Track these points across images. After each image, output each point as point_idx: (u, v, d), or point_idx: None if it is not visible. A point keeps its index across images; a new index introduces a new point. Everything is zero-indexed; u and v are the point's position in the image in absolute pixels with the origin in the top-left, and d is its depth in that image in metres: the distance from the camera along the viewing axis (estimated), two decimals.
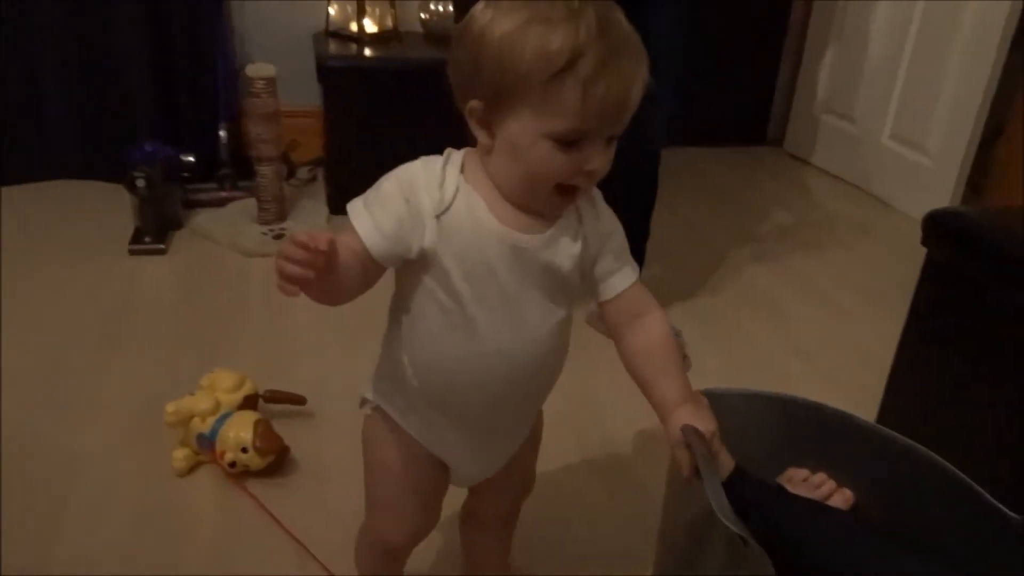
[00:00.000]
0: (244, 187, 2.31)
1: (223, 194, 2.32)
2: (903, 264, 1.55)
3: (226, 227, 2.15)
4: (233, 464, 1.26)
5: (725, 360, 1.72)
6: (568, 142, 0.70)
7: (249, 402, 1.36)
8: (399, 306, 0.82)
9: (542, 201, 0.74)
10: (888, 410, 1.45)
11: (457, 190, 0.75)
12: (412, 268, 0.78)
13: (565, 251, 0.77)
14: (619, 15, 0.71)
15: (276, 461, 1.29)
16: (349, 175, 2.29)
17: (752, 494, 0.84)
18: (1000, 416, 1.23)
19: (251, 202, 2.21)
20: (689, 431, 0.74)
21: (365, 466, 0.91)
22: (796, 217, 2.52)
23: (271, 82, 2.02)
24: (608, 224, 0.81)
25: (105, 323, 1.72)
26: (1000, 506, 0.81)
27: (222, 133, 2.36)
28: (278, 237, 2.10)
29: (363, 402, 0.90)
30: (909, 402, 1.40)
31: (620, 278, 0.81)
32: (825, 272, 2.15)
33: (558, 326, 0.80)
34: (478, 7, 0.72)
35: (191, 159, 2.26)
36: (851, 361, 1.73)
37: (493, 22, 0.70)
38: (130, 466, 1.31)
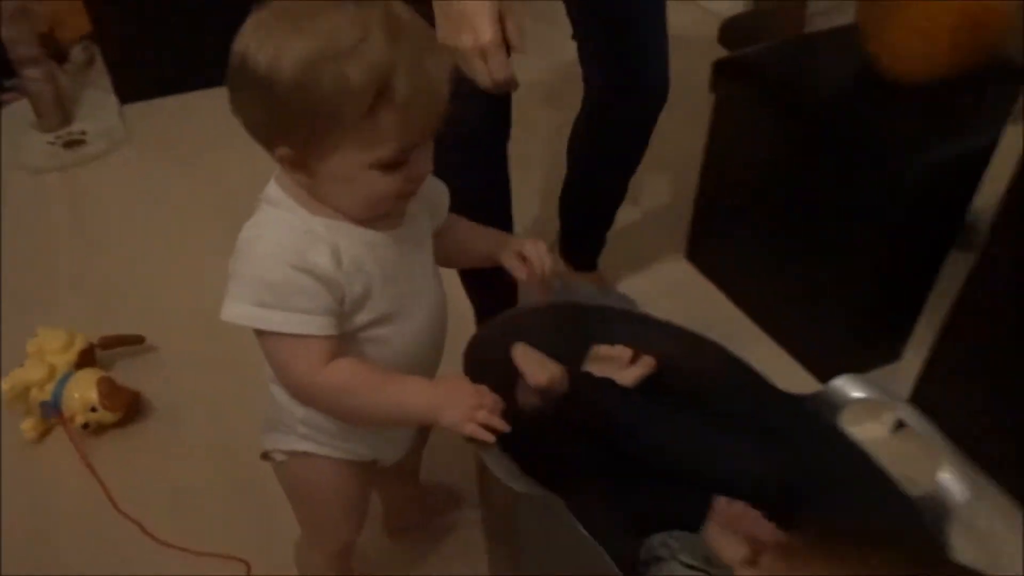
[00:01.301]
0: (10, 87, 2.07)
1: None
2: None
3: (4, 141, 1.95)
4: (86, 425, 1.26)
5: None
6: (396, 161, 0.67)
7: (85, 357, 1.33)
8: None
9: (385, 212, 0.73)
10: (695, 237, 1.60)
11: (328, 230, 0.70)
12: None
13: (419, 219, 0.79)
14: (399, 6, 0.65)
15: (129, 410, 1.30)
16: (127, 47, 2.09)
17: (587, 389, 0.94)
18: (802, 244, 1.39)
19: (24, 105, 2.00)
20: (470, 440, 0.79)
21: (294, 501, 0.92)
22: None
23: None
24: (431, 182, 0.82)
25: None
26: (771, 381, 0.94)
27: None
28: (69, 144, 1.94)
29: (267, 455, 0.87)
30: (719, 238, 1.56)
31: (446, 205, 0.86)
32: None
33: (438, 277, 0.83)
34: (244, 41, 0.63)
35: None
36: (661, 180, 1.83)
37: (277, 60, 0.62)
38: None
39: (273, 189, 0.72)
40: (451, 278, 1.11)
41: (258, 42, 0.62)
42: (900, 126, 1.20)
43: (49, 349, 1.31)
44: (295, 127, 0.65)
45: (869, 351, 1.34)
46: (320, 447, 0.82)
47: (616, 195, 1.41)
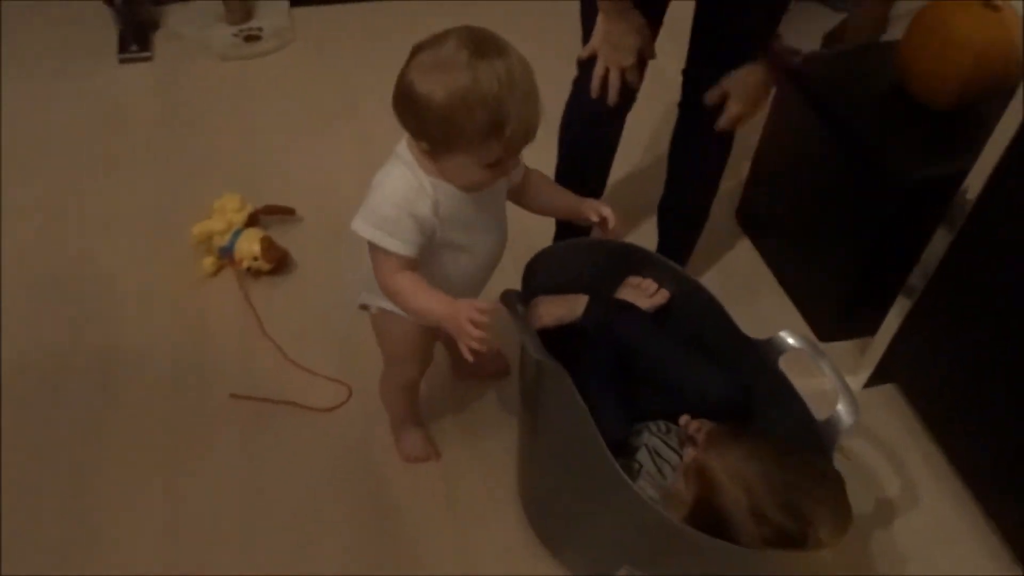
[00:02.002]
0: None
1: None
2: None
3: (197, 27, 2.38)
4: (248, 269, 1.70)
5: None
6: (496, 164, 0.99)
7: (252, 219, 1.76)
8: None
9: (480, 187, 1.05)
10: (745, 203, 1.89)
11: (434, 188, 1.02)
12: None
13: (501, 187, 1.13)
14: (516, 58, 0.94)
15: (280, 263, 1.73)
16: None
17: (604, 311, 1.30)
18: (824, 227, 1.68)
19: None
20: (507, 296, 1.15)
21: (380, 341, 1.28)
22: None
23: None
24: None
25: (108, 138, 2.05)
26: (740, 329, 1.26)
27: None
28: (249, 39, 2.35)
29: (365, 306, 1.22)
30: (763, 206, 1.84)
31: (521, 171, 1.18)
32: None
33: (504, 222, 1.18)
34: (411, 74, 0.94)
35: None
36: None
37: (431, 94, 0.91)
38: (162, 272, 1.74)
39: (403, 150, 1.04)
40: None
41: (422, 77, 0.93)
42: (909, 143, 1.46)
43: (228, 208, 1.74)
44: (434, 137, 0.97)
45: (856, 322, 1.63)
46: (397, 308, 1.14)
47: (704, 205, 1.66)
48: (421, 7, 2.49)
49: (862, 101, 1.56)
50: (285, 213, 1.84)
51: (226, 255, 1.71)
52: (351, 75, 2.27)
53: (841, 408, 1.13)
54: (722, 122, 1.41)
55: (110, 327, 1.65)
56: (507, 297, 1.17)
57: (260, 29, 2.38)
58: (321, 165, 2.00)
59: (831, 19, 2.00)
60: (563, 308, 1.28)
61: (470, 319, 0.98)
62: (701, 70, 1.42)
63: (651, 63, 1.40)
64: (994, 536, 1.39)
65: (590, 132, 1.49)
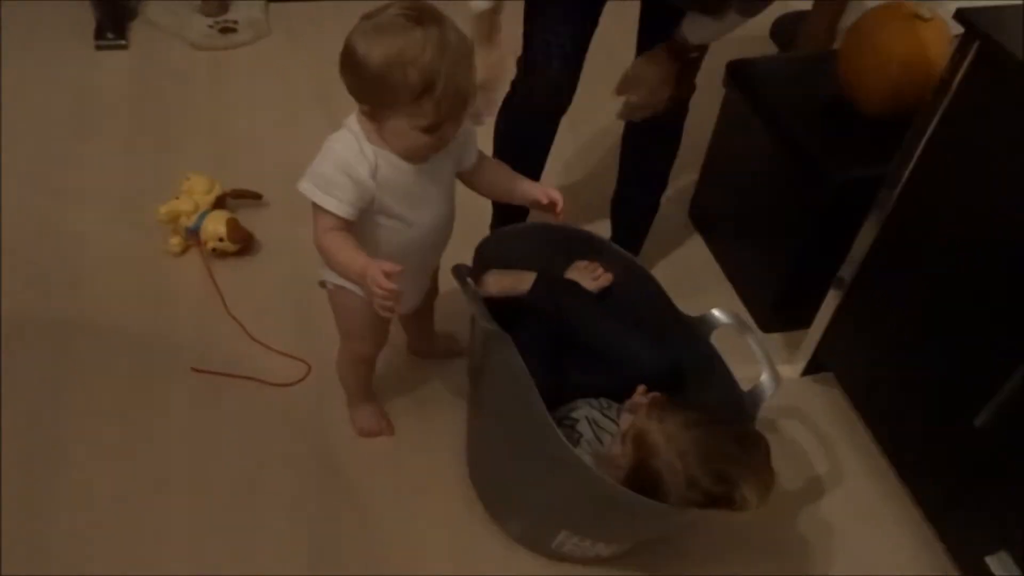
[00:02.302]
0: None
1: None
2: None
3: (174, 17, 2.43)
4: (214, 250, 1.76)
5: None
6: (431, 128, 1.04)
7: (219, 201, 1.82)
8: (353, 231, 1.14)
9: (419, 157, 1.11)
10: (697, 201, 1.98)
11: (375, 155, 1.08)
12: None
13: (444, 163, 1.18)
14: (448, 26, 1.00)
15: (245, 245, 1.79)
16: None
17: (550, 287, 1.37)
18: (765, 223, 1.76)
19: None
20: (457, 269, 1.22)
21: (336, 317, 1.33)
22: None
23: None
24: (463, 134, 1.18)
25: (81, 119, 2.10)
26: (676, 307, 1.34)
27: None
28: (224, 31, 2.40)
29: (323, 283, 1.29)
30: (713, 204, 1.93)
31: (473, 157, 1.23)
32: None
33: (450, 202, 1.24)
34: (354, 36, 1.02)
35: None
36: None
37: (368, 55, 0.99)
38: (129, 246, 1.80)
39: (352, 121, 1.11)
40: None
41: (362, 39, 1.01)
42: (843, 146, 1.55)
43: (197, 190, 1.79)
44: (371, 97, 1.04)
45: (795, 314, 1.72)
46: (351, 285, 1.23)
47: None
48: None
49: (803, 107, 1.65)
50: (252, 197, 1.90)
51: (192, 235, 1.76)
52: (324, 68, 2.31)
53: (764, 379, 1.21)
54: (620, 112, 1.48)
55: (75, 296, 1.70)
56: (457, 270, 1.24)
57: (235, 22, 2.44)
58: (290, 153, 2.01)
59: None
60: (511, 280, 1.35)
61: (375, 279, 1.03)
62: None
63: (609, 63, 1.47)
64: (917, 513, 1.47)
65: (527, 131, 1.57)
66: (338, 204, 1.09)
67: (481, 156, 1.26)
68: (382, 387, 1.58)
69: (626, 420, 1.22)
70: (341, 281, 1.25)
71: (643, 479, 1.13)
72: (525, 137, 1.59)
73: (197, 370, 1.59)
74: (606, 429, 1.27)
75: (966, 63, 1.21)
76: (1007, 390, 1.19)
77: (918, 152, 1.32)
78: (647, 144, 1.63)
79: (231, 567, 1.33)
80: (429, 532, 1.40)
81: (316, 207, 1.10)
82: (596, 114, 1.55)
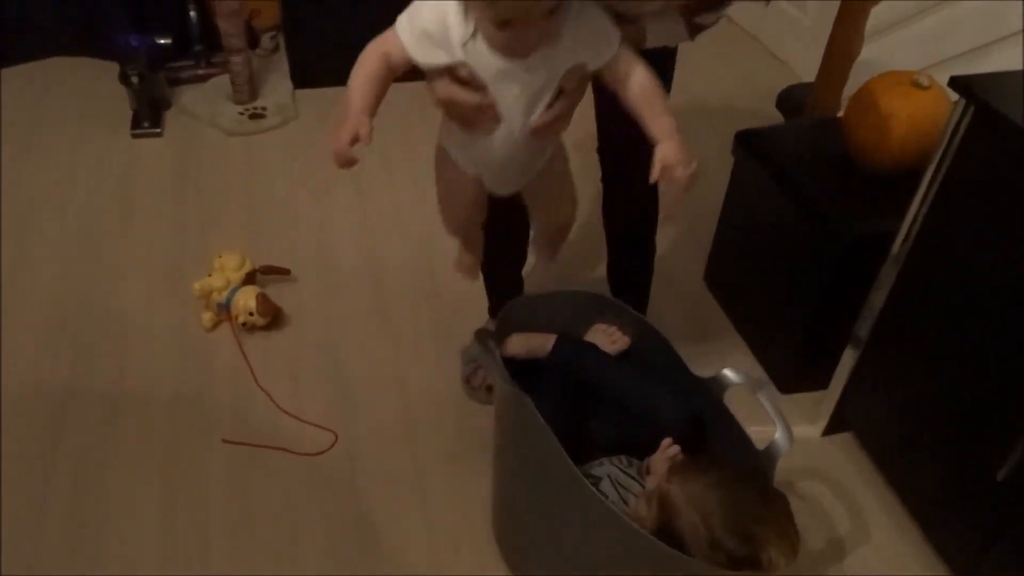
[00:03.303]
0: (216, 61, 2.68)
1: (200, 71, 2.69)
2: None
3: (207, 106, 2.56)
4: (244, 323, 1.82)
5: None
6: (502, 24, 0.94)
7: (250, 277, 1.89)
8: None
9: (504, 52, 0.99)
10: (711, 266, 2.02)
11: (475, 30, 0.99)
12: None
13: (551, 70, 1.03)
14: None
15: (274, 319, 1.85)
16: (307, 44, 2.65)
17: (571, 348, 1.41)
18: (780, 284, 1.80)
19: (225, 79, 2.60)
20: (481, 333, 1.27)
21: (437, 177, 1.28)
22: None
23: None
24: (591, 42, 1.03)
25: (122, 202, 2.21)
26: (687, 367, 1.37)
27: (192, 13, 2.68)
28: (253, 117, 2.52)
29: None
30: (728, 269, 1.98)
31: (605, 58, 1.05)
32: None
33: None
34: None
35: (168, 41, 2.61)
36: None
37: None
38: (169, 321, 1.87)
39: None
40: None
41: None
42: (852, 205, 1.59)
43: (228, 266, 1.87)
44: None
45: (814, 374, 1.73)
46: (452, 149, 1.21)
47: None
48: (414, 88, 2.68)
49: (813, 169, 1.70)
50: (281, 273, 1.97)
51: (223, 310, 1.83)
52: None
53: (778, 436, 1.23)
54: None
55: (119, 369, 1.76)
56: (481, 334, 1.28)
57: (265, 108, 2.56)
58: (320, 230, 2.14)
59: None
60: (534, 342, 1.39)
61: (349, 133, 1.02)
62: (608, 150, 1.57)
63: (581, 144, 1.51)
64: (944, 570, 1.46)
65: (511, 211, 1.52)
66: (413, 39, 1.02)
67: (622, 66, 1.05)
68: (411, 433, 1.64)
69: (651, 481, 1.23)
70: (444, 142, 1.22)
71: (665, 539, 1.14)
72: (507, 217, 1.53)
73: (228, 441, 1.63)
74: (629, 489, 1.29)
75: (963, 127, 1.26)
76: None
77: (924, 210, 1.36)
78: (625, 212, 1.66)
79: None
80: None
81: (389, 30, 1.05)
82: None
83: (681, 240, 2.17)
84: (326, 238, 2.12)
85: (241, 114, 2.53)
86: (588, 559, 1.23)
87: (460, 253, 1.48)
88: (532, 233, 1.49)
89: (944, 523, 1.45)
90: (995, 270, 1.27)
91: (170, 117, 2.55)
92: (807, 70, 2.57)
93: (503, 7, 0.94)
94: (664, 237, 2.13)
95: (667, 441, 1.28)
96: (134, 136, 2.44)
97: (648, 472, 1.27)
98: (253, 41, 2.79)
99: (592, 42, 1.03)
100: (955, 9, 2.29)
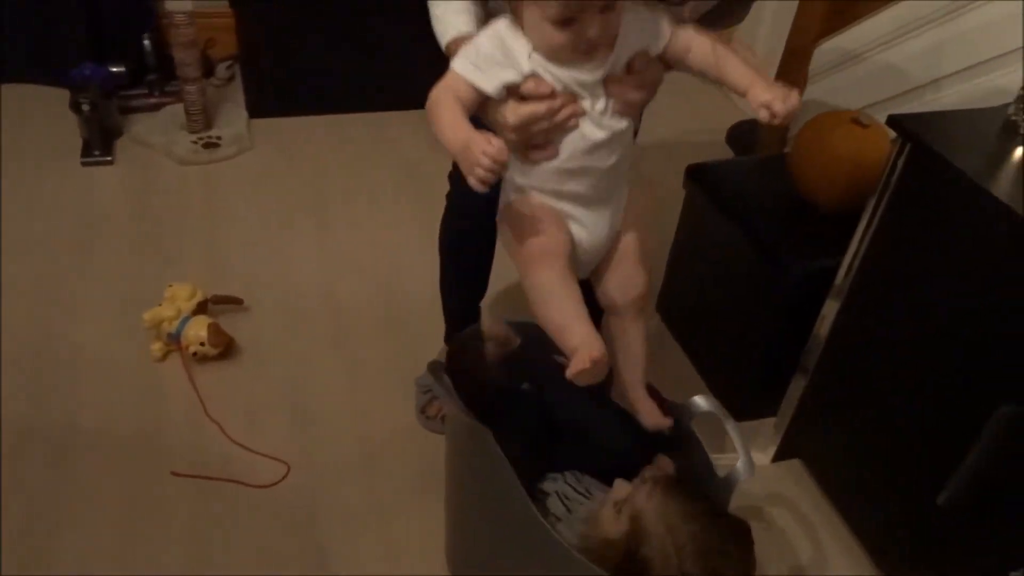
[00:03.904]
0: (171, 90, 2.67)
1: (153, 99, 2.67)
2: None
3: (161, 135, 2.54)
4: (195, 353, 1.80)
5: None
6: (562, 24, 0.92)
7: (201, 307, 1.87)
8: None
9: (567, 57, 0.97)
10: (664, 296, 2.06)
11: (531, 51, 0.98)
12: None
13: (602, 72, 1.00)
14: None
15: (226, 349, 1.83)
16: (263, 73, 2.66)
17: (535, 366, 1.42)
18: (731, 315, 1.84)
19: (179, 108, 2.58)
20: (433, 365, 1.27)
21: (514, 242, 1.11)
22: None
23: (190, 15, 2.35)
24: (647, 30, 1.02)
25: (74, 232, 2.17)
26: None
27: (147, 42, 2.67)
28: (207, 146, 2.51)
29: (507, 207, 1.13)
30: (680, 299, 2.01)
31: (664, 39, 1.04)
32: None
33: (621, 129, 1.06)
34: None
35: (122, 70, 2.59)
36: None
37: None
38: (121, 354, 1.83)
39: (508, 17, 1.01)
40: None
41: None
42: (799, 240, 1.65)
43: (179, 296, 1.85)
44: None
45: (763, 403, 1.77)
46: (531, 185, 1.09)
47: None
48: (376, 119, 2.71)
49: (761, 204, 1.76)
50: (234, 303, 1.95)
51: (174, 340, 1.80)
52: (307, 178, 2.44)
53: (739, 465, 1.25)
54: None
55: (71, 404, 1.72)
56: (433, 366, 1.29)
57: (219, 137, 2.55)
58: (276, 261, 2.13)
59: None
60: (505, 331, 1.35)
61: (483, 149, 0.91)
62: None
63: None
64: None
65: (472, 240, 1.55)
66: (479, 73, 1.00)
67: (681, 43, 1.06)
68: (371, 466, 1.63)
69: (622, 488, 1.20)
70: (523, 182, 1.09)
71: (633, 565, 1.12)
72: (471, 246, 1.58)
73: (177, 474, 1.60)
74: (576, 501, 1.30)
75: (900, 164, 1.32)
76: (965, 468, 1.25)
77: (865, 245, 1.41)
78: None
79: None
80: None
81: (449, 73, 1.02)
82: None
83: None
84: (283, 269, 2.11)
85: (195, 143, 2.51)
86: None
87: (582, 339, 1.04)
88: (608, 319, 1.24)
89: (890, 549, 1.49)
90: (932, 303, 1.32)
91: (122, 146, 2.52)
92: None
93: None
94: None
95: (664, 459, 1.29)
96: (84, 164, 2.41)
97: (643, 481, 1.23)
98: (208, 70, 2.79)
99: (649, 29, 1.03)
100: (898, 51, 2.39)
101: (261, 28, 2.60)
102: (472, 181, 0.93)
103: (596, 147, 1.05)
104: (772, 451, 1.72)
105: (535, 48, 0.98)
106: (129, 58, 2.63)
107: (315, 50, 2.64)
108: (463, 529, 1.41)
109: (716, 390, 1.87)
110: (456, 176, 1.53)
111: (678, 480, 1.24)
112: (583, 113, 1.02)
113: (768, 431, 1.74)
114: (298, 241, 2.20)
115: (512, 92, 1.01)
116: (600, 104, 1.02)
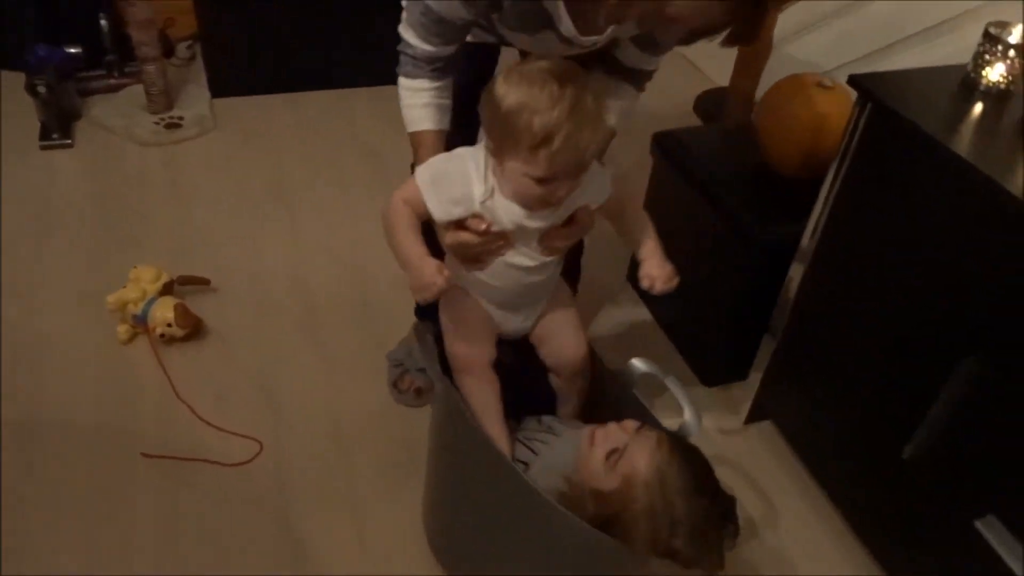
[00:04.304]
0: (130, 71, 2.61)
1: (112, 81, 2.62)
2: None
3: (121, 117, 2.49)
4: (162, 335, 1.77)
5: None
6: (541, 181, 1.06)
7: (167, 288, 1.84)
8: None
9: (534, 207, 1.12)
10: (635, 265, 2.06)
11: (493, 187, 1.11)
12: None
13: (548, 219, 1.15)
14: (589, 92, 1.03)
15: (194, 330, 1.81)
16: (224, 52, 2.62)
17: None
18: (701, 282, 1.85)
19: (139, 89, 2.54)
20: (419, 327, 1.27)
21: (442, 309, 1.29)
22: None
23: None
24: (595, 187, 1.18)
25: (35, 217, 2.13)
26: None
27: (103, 23, 2.61)
28: (169, 127, 2.47)
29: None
30: None
31: (606, 195, 1.21)
32: None
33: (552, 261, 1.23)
34: (499, 79, 1.06)
35: (79, 51, 2.53)
36: None
37: (503, 97, 1.03)
38: (87, 339, 1.81)
39: (482, 151, 1.12)
40: None
41: (505, 80, 1.05)
42: (765, 206, 1.66)
43: (143, 278, 1.82)
44: (497, 134, 1.07)
45: (735, 368, 1.79)
46: (462, 280, 1.24)
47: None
48: (338, 96, 2.68)
49: (728, 171, 1.76)
50: (201, 283, 1.92)
51: (140, 322, 1.78)
52: (271, 158, 2.41)
53: (687, 418, 1.26)
54: None
55: (38, 392, 1.69)
56: (418, 328, 1.29)
57: (181, 118, 2.51)
58: (243, 243, 2.10)
59: None
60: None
61: (433, 280, 1.08)
62: None
63: None
64: (863, 550, 1.52)
65: None
66: (435, 200, 1.12)
67: (615, 204, 1.24)
68: (343, 446, 1.62)
69: (617, 436, 1.16)
70: (458, 278, 1.24)
71: (615, 522, 1.10)
72: None
73: (147, 455, 1.58)
74: (540, 441, 1.29)
75: (862, 124, 1.33)
76: (928, 422, 1.27)
77: (829, 207, 1.42)
78: None
79: None
80: None
81: (412, 180, 1.14)
82: None
83: (605, 240, 2.20)
84: (250, 250, 2.08)
85: (156, 124, 2.47)
86: (524, 554, 1.24)
87: (472, 399, 1.28)
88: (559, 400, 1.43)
89: (859, 505, 1.51)
90: (895, 263, 1.33)
91: (81, 128, 2.47)
92: (723, 75, 2.66)
93: (560, 159, 1.03)
94: (588, 237, 2.18)
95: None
96: (43, 148, 2.36)
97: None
98: (168, 50, 2.73)
99: (597, 185, 1.18)
100: (863, 11, 2.40)
101: (220, 6, 2.55)
102: (417, 296, 1.10)
103: (522, 271, 1.21)
104: (744, 414, 1.73)
105: (506, 191, 1.11)
106: (85, 39, 2.57)
107: (276, 28, 2.60)
108: (442, 495, 1.41)
109: (688, 357, 1.89)
110: (400, 50, 1.51)
111: (677, 442, 1.18)
112: (512, 247, 1.16)
113: (740, 395, 1.75)
114: (264, 221, 2.18)
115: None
116: (532, 244, 1.17)
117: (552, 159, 1.03)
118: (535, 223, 1.14)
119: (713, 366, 1.83)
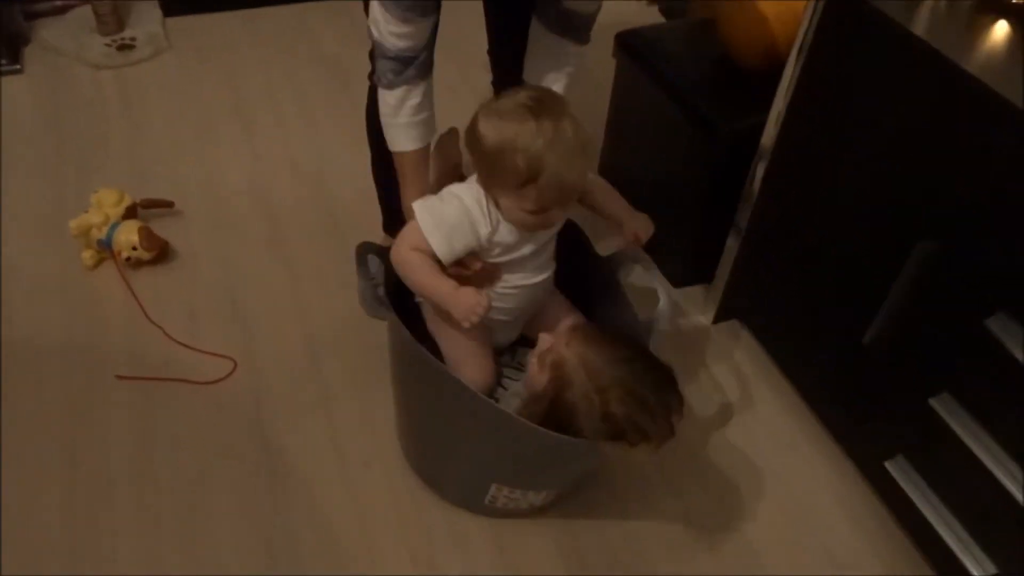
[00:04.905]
0: None
1: (59, 3, 2.52)
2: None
3: (71, 40, 2.41)
4: (128, 259, 1.76)
5: None
6: (534, 212, 1.13)
7: (130, 211, 1.82)
8: None
9: (532, 230, 1.20)
10: (603, 165, 2.06)
11: (498, 220, 1.18)
12: None
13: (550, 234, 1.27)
14: (569, 121, 1.08)
15: (160, 253, 1.80)
16: None
17: None
18: (667, 181, 1.85)
19: (87, 10, 2.45)
20: (360, 248, 1.27)
21: (439, 343, 1.35)
22: None
23: None
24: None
25: None
26: None
27: None
28: (122, 48, 2.39)
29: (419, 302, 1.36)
30: (617, 168, 2.01)
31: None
32: None
33: (551, 268, 1.32)
34: (479, 119, 1.11)
35: None
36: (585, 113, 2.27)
37: (486, 135, 1.09)
38: (51, 266, 1.79)
39: (474, 180, 1.19)
40: None
41: (484, 119, 1.10)
42: (729, 101, 1.64)
43: (106, 202, 1.79)
44: (485, 172, 1.14)
45: (704, 267, 1.80)
46: None
47: None
48: (294, 10, 2.60)
49: (691, 67, 1.74)
50: (164, 206, 1.90)
51: (105, 247, 1.76)
52: (228, 77, 2.35)
53: (661, 304, 1.30)
54: None
55: (3, 320, 1.69)
56: (359, 248, 1.28)
57: (133, 38, 2.43)
58: (204, 163, 2.07)
59: None
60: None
61: (476, 302, 1.13)
62: (503, 48, 1.57)
63: (463, 48, 1.52)
64: (826, 434, 1.57)
65: None
66: (445, 246, 1.16)
67: (591, 183, 1.32)
68: (314, 356, 1.63)
69: (545, 341, 1.23)
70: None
71: (559, 411, 1.16)
72: None
73: (122, 377, 1.59)
74: (511, 378, 1.33)
75: (818, 12, 1.31)
76: (886, 307, 1.29)
77: (788, 97, 1.41)
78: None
79: (186, 566, 1.34)
80: (373, 506, 1.43)
81: (415, 228, 1.16)
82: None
83: None
84: (211, 170, 2.05)
85: (108, 46, 2.39)
86: (484, 454, 1.27)
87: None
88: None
89: (823, 392, 1.55)
90: (854, 150, 1.33)
91: (30, 53, 2.39)
92: None
93: (548, 195, 1.09)
94: None
95: (568, 320, 1.34)
96: None
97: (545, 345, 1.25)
98: None
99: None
100: None
101: None
102: (466, 323, 1.14)
103: (532, 287, 1.28)
104: (712, 312, 1.76)
105: (507, 217, 1.17)
106: None
107: None
108: (406, 411, 1.43)
109: (657, 257, 1.89)
110: (376, 57, 1.48)
111: (598, 327, 1.29)
112: (499, 278, 1.24)
113: (708, 296, 1.77)
114: (224, 141, 2.14)
115: None
116: (541, 257, 1.27)
117: (541, 193, 1.09)
118: (526, 249, 1.22)
119: (682, 266, 1.84)
